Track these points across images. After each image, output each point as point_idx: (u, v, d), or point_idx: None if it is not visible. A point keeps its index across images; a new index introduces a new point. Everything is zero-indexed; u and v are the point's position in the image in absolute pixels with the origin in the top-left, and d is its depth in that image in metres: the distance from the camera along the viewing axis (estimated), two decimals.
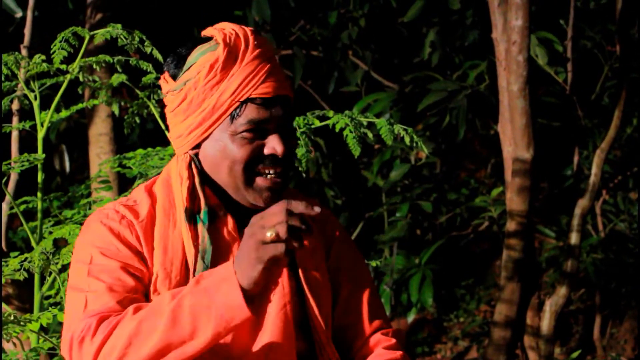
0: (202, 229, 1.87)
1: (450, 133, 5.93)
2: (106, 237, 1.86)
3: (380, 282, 6.05)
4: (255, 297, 1.75)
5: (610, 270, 5.99)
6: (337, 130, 2.64)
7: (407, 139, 2.61)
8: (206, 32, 1.91)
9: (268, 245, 1.66)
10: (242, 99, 1.84)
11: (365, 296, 2.06)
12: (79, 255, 1.88)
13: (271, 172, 1.88)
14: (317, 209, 1.67)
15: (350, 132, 2.62)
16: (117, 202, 1.93)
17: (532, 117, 4.26)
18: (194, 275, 1.83)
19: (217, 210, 1.91)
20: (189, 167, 1.91)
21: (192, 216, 1.88)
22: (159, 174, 2.01)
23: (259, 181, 1.88)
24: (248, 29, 1.91)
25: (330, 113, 2.69)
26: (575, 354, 2.87)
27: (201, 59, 1.87)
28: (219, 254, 1.88)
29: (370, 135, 2.68)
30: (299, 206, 1.66)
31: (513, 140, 4.32)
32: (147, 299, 1.86)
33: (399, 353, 2.01)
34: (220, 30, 1.88)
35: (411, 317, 6.00)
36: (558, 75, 5.04)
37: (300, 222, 1.66)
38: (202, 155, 1.91)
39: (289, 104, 1.90)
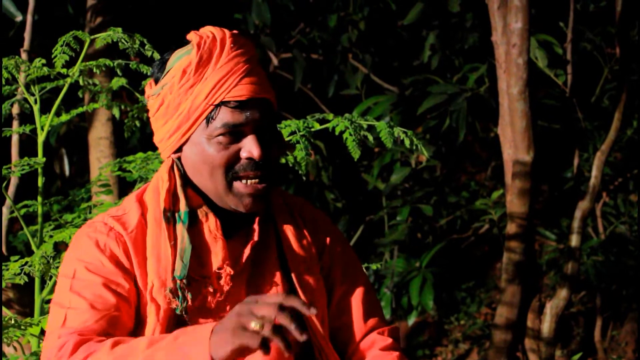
0: (181, 229, 1.86)
1: (451, 136, 5.93)
2: (91, 250, 1.86)
3: (381, 285, 6.05)
4: None
5: (610, 273, 5.98)
6: (337, 133, 2.64)
7: (407, 142, 2.61)
8: (188, 36, 1.91)
9: (246, 333, 1.59)
10: (215, 102, 1.83)
11: (360, 295, 2.05)
12: (64, 269, 1.88)
13: (251, 176, 1.86)
14: (313, 310, 1.61)
15: (350, 135, 2.62)
16: (107, 213, 1.93)
17: (532, 119, 4.26)
18: (172, 275, 1.82)
19: (199, 212, 1.89)
20: (171, 169, 1.90)
21: (172, 216, 1.87)
22: (149, 180, 2.01)
23: (239, 187, 1.86)
24: (227, 32, 1.89)
25: (330, 116, 2.69)
26: (576, 357, 2.87)
27: (177, 63, 1.86)
28: (201, 254, 1.87)
29: (370, 138, 2.68)
30: (293, 302, 1.60)
31: (513, 143, 4.31)
32: (137, 313, 1.86)
33: (395, 354, 1.99)
34: (197, 34, 1.88)
35: (412, 320, 5.99)
36: (558, 78, 5.04)
37: (290, 322, 1.59)
38: (184, 159, 1.90)
39: (269, 107, 1.88)
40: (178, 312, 1.83)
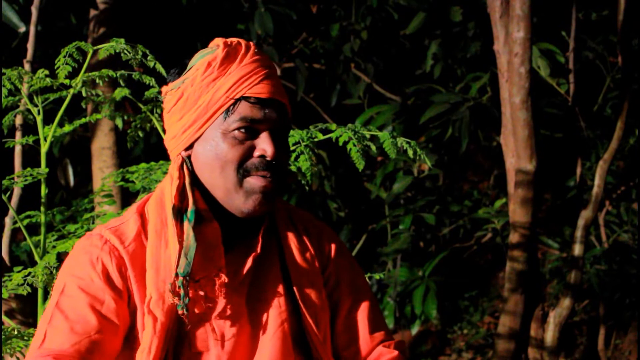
0: (187, 227, 1.87)
1: (453, 145, 5.94)
2: (83, 265, 1.87)
3: (384, 294, 6.05)
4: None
5: (613, 281, 5.98)
6: (340, 144, 2.64)
7: (410, 152, 2.61)
8: (212, 43, 1.94)
9: None
10: (237, 97, 1.86)
11: (366, 310, 2.05)
12: (58, 280, 1.90)
13: (261, 175, 1.87)
14: None
15: (354, 145, 2.62)
16: (107, 224, 1.93)
17: (535, 128, 4.27)
18: (176, 273, 1.83)
19: (204, 215, 1.90)
20: (181, 167, 1.91)
21: (179, 214, 1.88)
22: (152, 191, 2.01)
23: (250, 181, 1.87)
24: (252, 43, 1.94)
25: (334, 126, 2.69)
26: None
27: (201, 60, 1.90)
28: (200, 257, 1.88)
29: (373, 148, 2.68)
30: None
31: (516, 152, 4.32)
32: (131, 329, 1.86)
33: None
34: (223, 38, 1.93)
35: (415, 329, 5.99)
36: (560, 87, 5.05)
37: None
38: (194, 156, 1.91)
39: (284, 112, 1.91)
40: (180, 309, 1.83)
